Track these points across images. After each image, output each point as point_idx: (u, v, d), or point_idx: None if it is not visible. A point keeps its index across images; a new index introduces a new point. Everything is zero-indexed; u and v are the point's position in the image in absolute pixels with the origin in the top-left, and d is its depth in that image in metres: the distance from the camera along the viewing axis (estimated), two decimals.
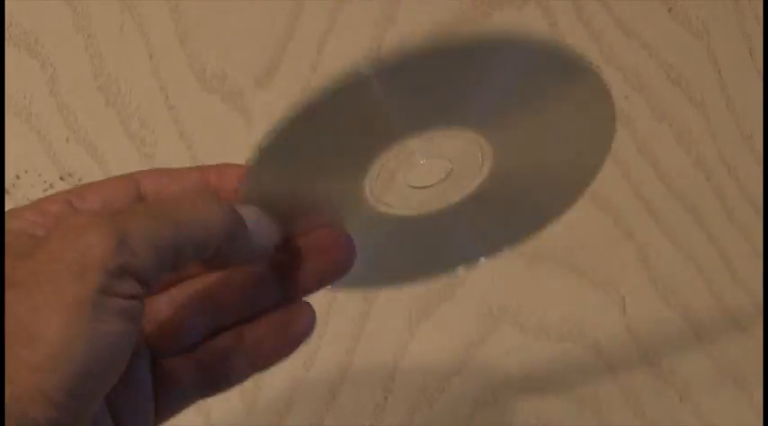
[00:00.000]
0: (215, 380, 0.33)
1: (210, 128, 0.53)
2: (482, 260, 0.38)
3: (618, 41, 0.56)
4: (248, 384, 0.48)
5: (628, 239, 0.52)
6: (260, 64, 0.54)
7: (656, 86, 0.56)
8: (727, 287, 0.52)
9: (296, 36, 0.55)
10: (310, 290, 0.33)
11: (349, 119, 0.32)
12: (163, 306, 0.32)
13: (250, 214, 0.30)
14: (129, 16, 0.54)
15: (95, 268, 0.26)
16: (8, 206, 0.50)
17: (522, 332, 0.49)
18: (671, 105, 0.55)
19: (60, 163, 0.51)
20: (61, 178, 0.51)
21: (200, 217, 0.28)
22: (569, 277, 0.51)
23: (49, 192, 0.50)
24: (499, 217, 0.38)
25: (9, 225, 0.29)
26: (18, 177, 0.50)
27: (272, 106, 0.53)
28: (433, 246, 0.38)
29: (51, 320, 0.25)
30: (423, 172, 0.35)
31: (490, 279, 0.50)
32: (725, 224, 0.53)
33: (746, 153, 0.55)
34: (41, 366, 0.25)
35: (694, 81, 0.56)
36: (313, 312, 0.33)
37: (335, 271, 0.33)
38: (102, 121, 0.52)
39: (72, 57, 0.53)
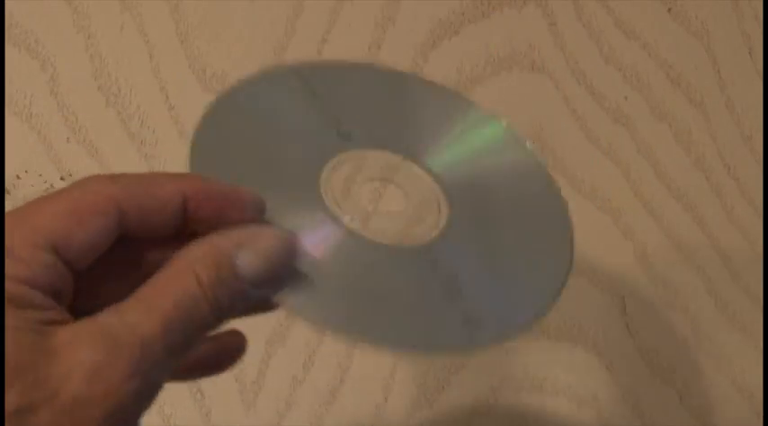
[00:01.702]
0: None
1: None
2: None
3: (618, 41, 0.56)
4: (248, 384, 0.48)
5: (628, 239, 0.52)
6: (260, 64, 0.54)
7: (656, 86, 0.56)
8: (727, 286, 0.52)
9: (296, 36, 0.55)
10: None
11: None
12: None
13: (257, 267, 0.28)
14: (129, 16, 0.54)
15: (125, 422, 0.25)
16: (8, 206, 0.50)
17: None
18: (671, 105, 0.55)
19: (60, 163, 0.51)
20: (61, 178, 0.51)
21: (210, 327, 0.28)
22: (569, 277, 0.51)
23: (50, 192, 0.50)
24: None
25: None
26: (18, 177, 0.50)
27: None
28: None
29: None
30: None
31: None
32: (725, 224, 0.53)
33: (746, 153, 0.55)
34: None
35: (694, 81, 0.56)
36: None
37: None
38: (102, 121, 0.52)
39: (72, 57, 0.53)
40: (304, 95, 0.34)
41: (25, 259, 0.26)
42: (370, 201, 0.36)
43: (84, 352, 0.25)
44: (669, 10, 0.58)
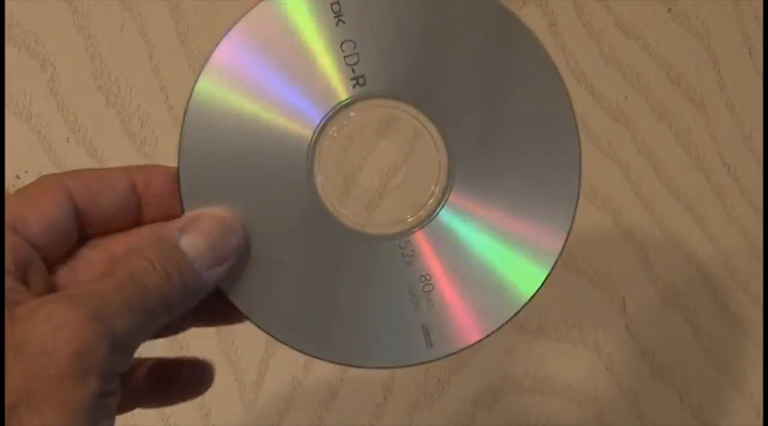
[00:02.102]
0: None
1: None
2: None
3: (618, 41, 0.56)
4: (249, 384, 0.48)
5: (628, 239, 0.52)
6: None
7: (656, 86, 0.56)
8: (726, 286, 0.52)
9: None
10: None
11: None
12: None
13: (202, 248, 0.31)
14: (129, 16, 0.54)
15: (94, 373, 0.27)
16: None
17: (522, 333, 0.49)
18: (671, 105, 0.55)
19: (60, 163, 0.51)
20: None
21: (167, 298, 0.30)
22: (569, 277, 0.51)
23: None
24: None
25: None
26: (18, 177, 0.50)
27: None
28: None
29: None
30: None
31: None
32: (725, 224, 0.53)
33: (746, 153, 0.55)
34: None
35: (694, 81, 0.56)
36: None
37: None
38: (102, 121, 0.52)
39: (72, 57, 0.53)
40: (328, 22, 0.33)
41: None
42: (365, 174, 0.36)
43: (46, 310, 0.27)
44: (669, 10, 0.58)
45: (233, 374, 0.48)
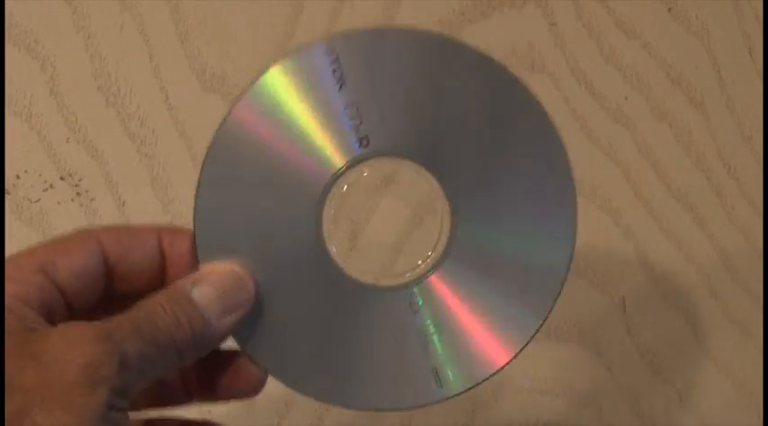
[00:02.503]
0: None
1: (210, 129, 0.52)
2: None
3: (618, 41, 0.56)
4: None
5: (628, 239, 0.52)
6: (260, 64, 0.54)
7: (656, 86, 0.56)
8: (726, 286, 0.52)
9: (296, 36, 0.55)
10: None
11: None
12: None
13: (212, 298, 0.33)
14: (129, 16, 0.54)
15: (104, 385, 0.29)
16: (8, 206, 0.50)
17: None
18: (671, 105, 0.55)
19: (60, 163, 0.51)
20: (61, 178, 0.51)
21: (177, 341, 0.32)
22: (569, 277, 0.51)
23: (49, 192, 0.50)
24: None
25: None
26: (18, 177, 0.50)
27: None
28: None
29: None
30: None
31: None
32: (725, 224, 0.53)
33: (746, 153, 0.55)
34: None
35: (694, 81, 0.56)
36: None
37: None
38: (102, 121, 0.52)
39: (72, 57, 0.53)
40: (330, 87, 0.35)
41: (20, 280, 0.32)
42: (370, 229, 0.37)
43: (63, 328, 0.30)
44: (669, 10, 0.58)
45: None
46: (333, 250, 0.35)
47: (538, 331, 0.36)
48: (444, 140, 0.36)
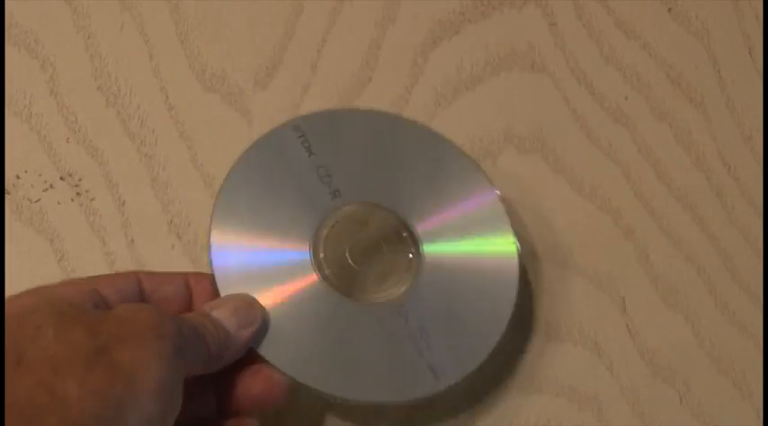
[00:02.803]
0: None
1: (210, 128, 0.53)
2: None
3: (618, 41, 0.56)
4: None
5: (628, 239, 0.52)
6: (260, 64, 0.54)
7: (656, 86, 0.56)
8: (727, 286, 0.52)
9: (296, 36, 0.55)
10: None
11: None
12: None
13: (227, 316, 0.40)
14: (129, 16, 0.54)
15: (169, 338, 0.35)
16: (8, 206, 0.50)
17: (522, 333, 0.49)
18: (671, 105, 0.55)
19: (60, 163, 0.51)
20: (61, 178, 0.51)
21: (206, 337, 0.38)
22: (569, 277, 0.51)
23: (49, 192, 0.50)
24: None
25: (64, 297, 0.36)
26: (18, 177, 0.50)
27: (271, 106, 0.53)
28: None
29: (153, 366, 0.34)
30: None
31: None
32: (725, 224, 0.53)
33: (746, 153, 0.55)
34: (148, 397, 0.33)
35: (694, 81, 0.56)
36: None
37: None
38: (102, 121, 0.52)
39: (72, 57, 0.53)
40: (302, 156, 0.46)
41: (76, 287, 0.38)
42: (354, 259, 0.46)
43: (123, 306, 0.37)
44: (669, 10, 0.58)
45: None
46: (328, 279, 0.44)
47: (513, 310, 0.45)
48: (400, 188, 0.46)
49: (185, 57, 0.54)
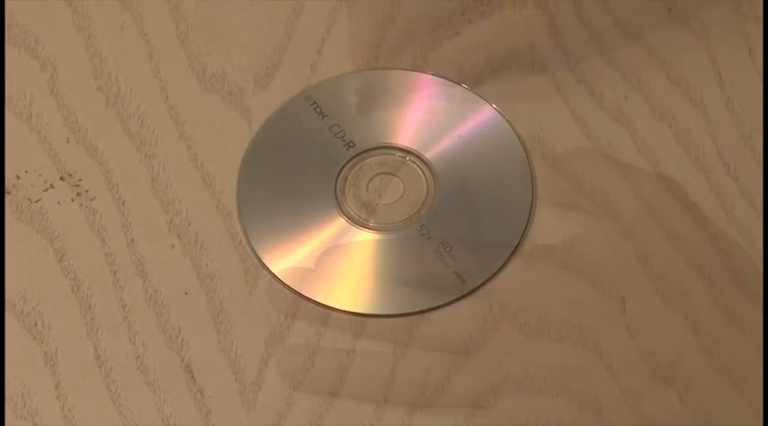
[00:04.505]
0: None
1: (210, 128, 0.53)
2: None
3: (618, 41, 0.56)
4: (248, 384, 0.48)
5: (628, 239, 0.52)
6: (260, 64, 0.54)
7: (655, 86, 0.56)
8: (727, 286, 0.52)
9: (296, 36, 0.55)
10: None
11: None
12: None
13: None
14: (129, 16, 0.54)
15: None
16: (8, 206, 0.50)
17: (522, 332, 0.49)
18: (671, 105, 0.55)
19: (60, 163, 0.51)
20: (61, 178, 0.51)
21: None
22: (569, 277, 0.51)
23: (50, 192, 0.50)
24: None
25: None
26: (18, 177, 0.51)
27: (272, 106, 0.53)
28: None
29: None
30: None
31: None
32: (724, 224, 0.53)
33: (746, 153, 0.55)
34: None
35: (694, 81, 0.56)
36: None
37: None
38: (102, 121, 0.52)
39: (72, 58, 0.53)
40: (315, 119, 0.52)
41: None
42: (374, 195, 0.51)
43: None
44: (669, 10, 0.58)
45: (233, 374, 0.48)
46: (351, 212, 0.50)
47: (533, 206, 0.51)
48: (403, 127, 0.52)
49: (185, 57, 0.54)
